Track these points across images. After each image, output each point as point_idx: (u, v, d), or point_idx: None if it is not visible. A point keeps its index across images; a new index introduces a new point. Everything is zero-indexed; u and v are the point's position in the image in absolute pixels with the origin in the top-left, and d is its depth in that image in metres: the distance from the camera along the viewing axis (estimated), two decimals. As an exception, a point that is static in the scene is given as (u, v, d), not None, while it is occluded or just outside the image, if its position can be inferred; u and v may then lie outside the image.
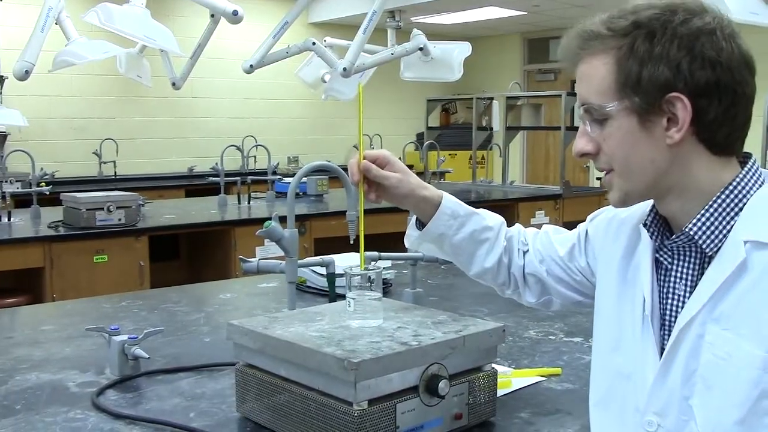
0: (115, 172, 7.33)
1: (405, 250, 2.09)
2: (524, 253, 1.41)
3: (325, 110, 8.96)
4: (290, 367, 1.29)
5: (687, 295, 1.07)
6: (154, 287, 3.63)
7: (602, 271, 1.24)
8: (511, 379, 1.61)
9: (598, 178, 8.96)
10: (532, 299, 1.41)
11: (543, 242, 1.40)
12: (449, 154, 8.15)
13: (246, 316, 1.74)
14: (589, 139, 1.09)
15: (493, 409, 1.39)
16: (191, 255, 5.17)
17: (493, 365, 1.40)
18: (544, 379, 1.64)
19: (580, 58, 1.08)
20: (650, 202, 1.13)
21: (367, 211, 1.39)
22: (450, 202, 1.37)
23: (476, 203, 5.77)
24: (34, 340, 1.99)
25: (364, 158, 1.33)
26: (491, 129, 7.07)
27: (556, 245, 1.38)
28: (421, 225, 1.40)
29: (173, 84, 3.31)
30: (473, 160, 7.25)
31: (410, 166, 2.55)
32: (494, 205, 5.96)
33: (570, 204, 6.17)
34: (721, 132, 1.03)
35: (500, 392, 1.46)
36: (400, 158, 3.61)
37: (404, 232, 1.43)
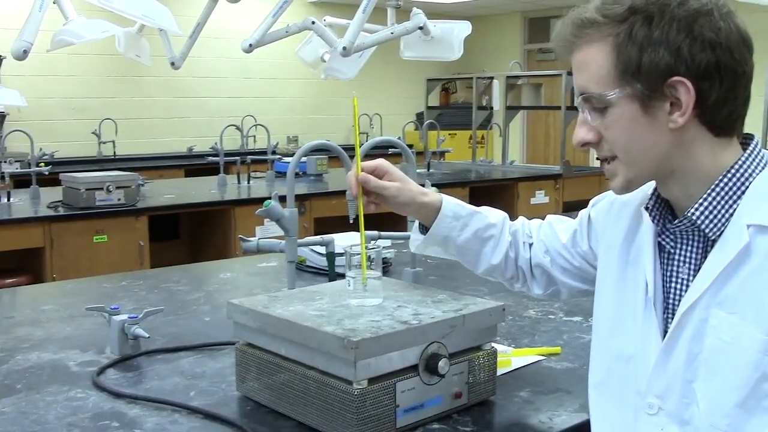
0: (115, 152, 7.32)
1: (405, 228, 2.09)
2: (529, 245, 1.42)
3: (325, 90, 8.92)
4: (290, 346, 1.29)
5: (690, 278, 1.07)
6: (154, 267, 3.63)
7: (604, 254, 1.24)
8: (510, 358, 1.61)
9: (598, 159, 8.88)
10: (539, 291, 1.42)
11: (546, 232, 1.41)
12: (449, 134, 8.12)
13: (246, 296, 1.74)
14: (590, 128, 1.08)
15: (493, 388, 1.40)
16: (191, 235, 5.17)
17: (493, 344, 1.40)
18: (543, 358, 1.65)
19: (575, 47, 1.06)
20: (652, 184, 1.13)
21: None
22: (451, 204, 1.38)
23: (476, 183, 5.82)
24: (35, 319, 2.00)
25: (361, 170, 1.34)
26: (491, 108, 7.04)
27: (559, 233, 1.39)
28: (424, 229, 1.41)
29: (172, 63, 3.30)
30: (473, 139, 7.23)
31: (410, 146, 2.55)
32: (494, 185, 5.97)
33: (570, 184, 6.16)
34: (722, 113, 1.02)
35: (500, 371, 1.47)
36: (399, 138, 3.61)
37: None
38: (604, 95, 1.04)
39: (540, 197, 5.96)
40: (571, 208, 5.44)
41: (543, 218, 1.46)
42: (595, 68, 1.04)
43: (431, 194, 1.38)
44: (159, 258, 4.28)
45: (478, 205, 1.45)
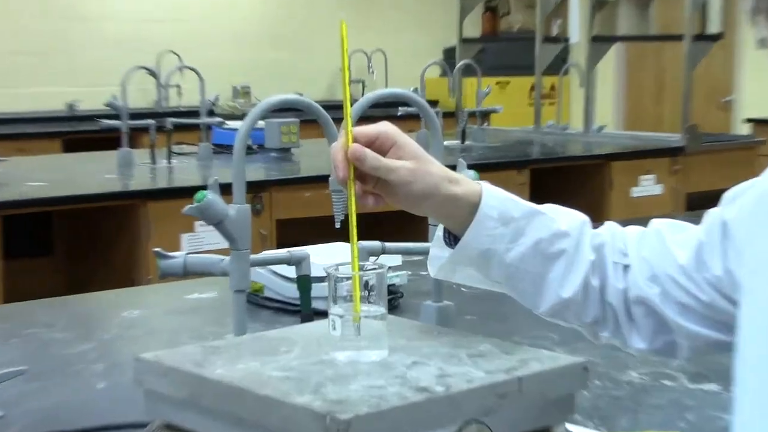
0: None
1: (424, 237, 2.09)
2: (624, 268, 1.41)
3: (295, 12, 8.96)
4: (237, 428, 1.30)
5: None
6: (12, 300, 3.63)
7: (752, 282, 1.24)
8: (598, 449, 1.62)
9: (749, 120, 8.81)
10: (642, 344, 1.42)
11: (653, 248, 1.41)
12: (497, 83, 8.13)
13: (166, 347, 1.74)
14: None
15: (570, 499, 1.40)
16: (73, 247, 5.18)
17: (570, 427, 1.40)
18: (654, 451, 1.65)
19: None
20: None
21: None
22: (495, 198, 1.38)
23: (541, 163, 5.79)
24: None
25: (353, 140, 1.33)
26: (566, 41, 7.04)
27: (674, 249, 1.38)
28: (452, 239, 1.41)
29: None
30: (536, 91, 7.23)
31: (433, 103, 2.52)
32: (570, 167, 5.97)
33: (698, 164, 6.17)
34: None
35: (581, 471, 1.48)
36: (415, 90, 3.55)
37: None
38: None
39: (647, 186, 5.96)
40: (699, 204, 5.38)
41: (647, 224, 1.46)
42: None
43: (465, 182, 1.38)
44: (20, 285, 4.28)
45: (542, 200, 1.45)
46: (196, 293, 2.67)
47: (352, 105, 1.46)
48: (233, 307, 1.95)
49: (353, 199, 1.34)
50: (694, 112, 6.38)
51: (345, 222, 1.39)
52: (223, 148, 5.47)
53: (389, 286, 2.26)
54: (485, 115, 6.84)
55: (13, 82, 8.06)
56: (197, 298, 2.64)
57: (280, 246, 3.98)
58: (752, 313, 1.22)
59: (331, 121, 2.02)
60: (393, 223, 3.02)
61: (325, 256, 2.21)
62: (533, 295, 1.42)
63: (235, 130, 3.97)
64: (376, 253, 2.18)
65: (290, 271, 2.28)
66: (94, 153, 5.99)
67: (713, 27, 6.70)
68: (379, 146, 1.34)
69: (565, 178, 5.70)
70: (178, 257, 1.95)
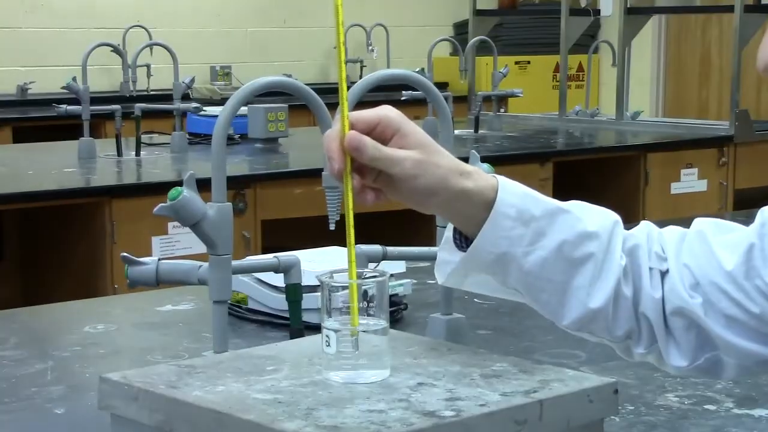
0: None
1: (429, 240, 2.10)
2: (662, 275, 1.42)
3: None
4: (218, 458, 1.30)
5: None
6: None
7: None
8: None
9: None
10: (682, 362, 1.42)
11: (695, 251, 1.41)
12: (516, 62, 8.11)
13: (135, 366, 1.75)
14: None
15: None
16: (27, 252, 5.18)
17: (598, 457, 1.41)
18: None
19: None
20: None
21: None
22: (513, 194, 1.38)
23: (567, 155, 5.78)
24: None
25: (350, 127, 1.32)
26: (597, 14, 7.04)
27: (720, 253, 1.38)
28: (463, 242, 1.42)
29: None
30: (562, 72, 7.22)
31: (442, 85, 2.51)
32: (601, 159, 5.94)
33: (749, 155, 6.16)
34: None
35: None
36: (421, 71, 3.55)
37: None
38: None
39: (689, 181, 5.95)
40: (748, 202, 5.36)
41: (689, 225, 1.47)
42: None
43: (479, 175, 1.38)
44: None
45: (567, 197, 1.46)
46: (170, 305, 2.67)
47: (348, 88, 1.46)
48: (213, 320, 1.96)
49: (350, 196, 1.33)
50: (745, 97, 6.34)
51: (341, 222, 1.39)
52: (200, 138, 5.47)
53: (391, 296, 2.27)
54: (502, 100, 6.83)
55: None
56: (171, 311, 2.64)
57: (265, 251, 4.00)
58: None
59: (324, 106, 2.02)
60: (396, 223, 3.04)
61: (317, 262, 2.22)
62: (556, 306, 1.41)
63: (214, 117, 3.96)
64: (377, 258, 2.17)
65: (278, 280, 2.29)
66: (50, 143, 5.98)
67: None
68: (380, 134, 1.33)
69: (595, 172, 5.67)
70: (150, 263, 1.96)
